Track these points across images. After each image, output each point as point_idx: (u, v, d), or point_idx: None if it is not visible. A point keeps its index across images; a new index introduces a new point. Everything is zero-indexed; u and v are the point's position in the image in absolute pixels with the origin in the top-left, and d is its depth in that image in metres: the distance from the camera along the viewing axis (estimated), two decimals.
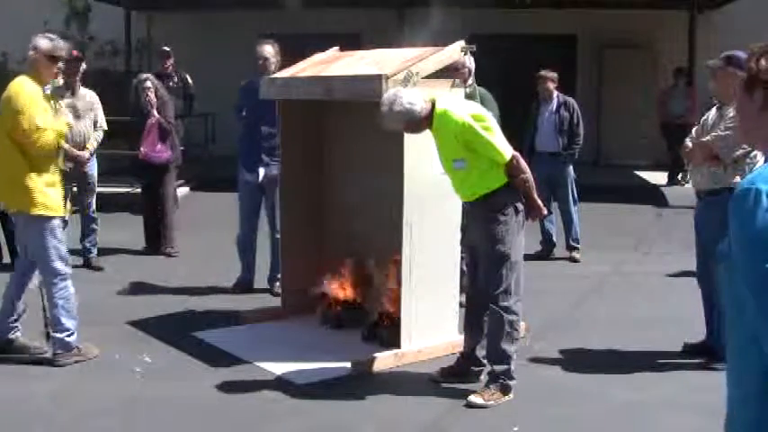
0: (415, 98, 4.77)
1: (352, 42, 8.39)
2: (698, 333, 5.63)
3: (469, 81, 6.48)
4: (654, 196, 12.62)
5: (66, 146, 7.94)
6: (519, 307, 4.92)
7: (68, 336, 5.33)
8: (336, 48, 6.55)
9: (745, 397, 1.69)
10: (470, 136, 4.75)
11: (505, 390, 4.88)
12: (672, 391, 5.06)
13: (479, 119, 4.81)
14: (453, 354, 5.61)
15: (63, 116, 5.64)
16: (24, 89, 5.22)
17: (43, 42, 5.29)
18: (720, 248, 1.77)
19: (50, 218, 5.25)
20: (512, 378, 4.91)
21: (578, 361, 5.57)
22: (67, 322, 5.33)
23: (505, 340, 4.88)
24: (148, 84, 8.72)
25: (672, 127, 13.35)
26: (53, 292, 5.30)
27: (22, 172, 5.18)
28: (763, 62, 1.81)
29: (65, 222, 5.78)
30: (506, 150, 4.81)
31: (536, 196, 4.94)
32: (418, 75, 5.33)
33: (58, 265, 5.32)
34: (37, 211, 5.21)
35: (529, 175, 4.88)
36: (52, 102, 5.54)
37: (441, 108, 4.82)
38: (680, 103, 13.48)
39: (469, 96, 6.08)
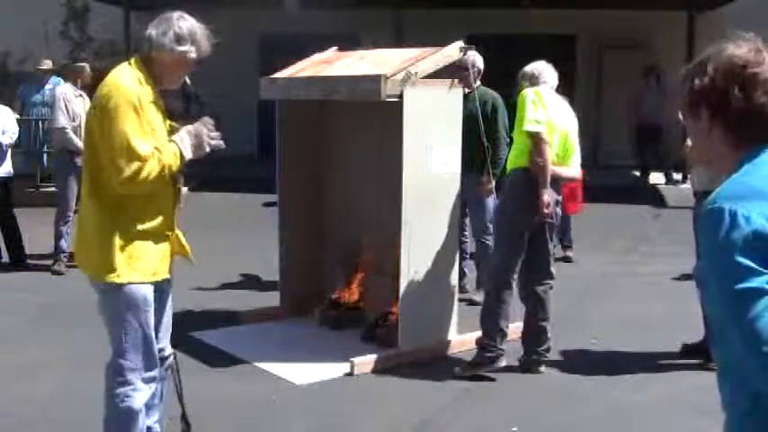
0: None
1: (351, 42, 8.39)
2: (696, 333, 5.63)
3: (477, 83, 6.48)
4: (653, 197, 12.63)
5: (81, 144, 7.93)
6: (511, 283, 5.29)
7: None
8: (335, 48, 6.55)
9: (736, 414, 1.68)
10: (519, 107, 5.24)
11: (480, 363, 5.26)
12: (670, 391, 5.07)
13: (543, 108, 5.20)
14: (453, 354, 5.62)
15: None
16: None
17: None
18: (698, 270, 1.74)
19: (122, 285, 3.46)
20: (489, 351, 5.19)
21: (577, 361, 5.57)
22: None
23: (488, 311, 5.23)
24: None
25: (645, 127, 13.72)
26: (108, 389, 3.67)
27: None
28: (696, 81, 1.75)
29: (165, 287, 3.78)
30: (533, 124, 5.12)
31: (543, 188, 5.10)
32: (417, 75, 5.33)
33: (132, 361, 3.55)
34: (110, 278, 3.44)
35: (543, 162, 5.09)
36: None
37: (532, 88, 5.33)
38: (654, 102, 13.68)
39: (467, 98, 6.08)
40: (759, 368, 1.54)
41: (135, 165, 3.30)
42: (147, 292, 3.50)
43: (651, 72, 14.18)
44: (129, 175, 3.30)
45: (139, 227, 3.43)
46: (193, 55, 3.52)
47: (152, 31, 3.48)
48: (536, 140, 5.11)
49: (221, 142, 3.62)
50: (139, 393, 3.58)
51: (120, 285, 3.42)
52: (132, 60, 3.51)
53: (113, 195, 3.39)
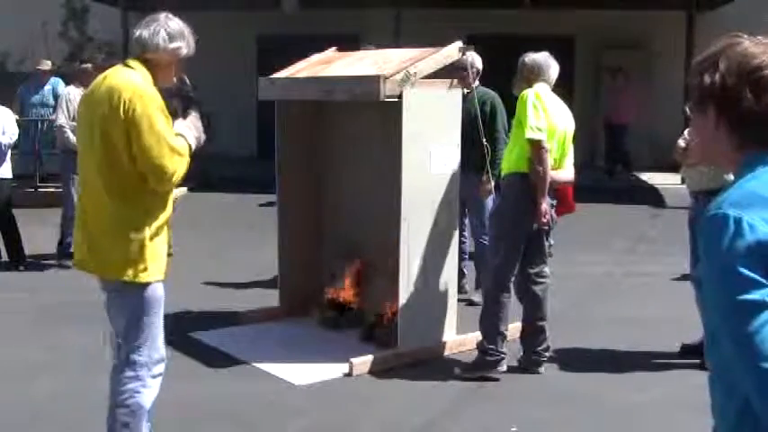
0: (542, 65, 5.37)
1: (350, 43, 8.39)
2: (696, 333, 5.63)
3: (476, 83, 6.47)
4: (652, 197, 12.64)
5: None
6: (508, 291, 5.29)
7: None
8: (334, 48, 6.55)
9: (726, 420, 1.64)
10: (519, 109, 5.17)
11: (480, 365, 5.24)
12: (670, 391, 5.07)
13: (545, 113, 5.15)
14: (452, 354, 5.62)
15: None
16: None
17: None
18: (698, 273, 1.70)
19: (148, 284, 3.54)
20: (490, 355, 5.19)
21: (577, 361, 5.57)
22: None
23: (488, 316, 5.22)
24: None
25: (609, 127, 14.63)
26: (120, 386, 3.62)
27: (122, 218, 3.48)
28: (707, 78, 1.67)
29: None
30: (536, 132, 5.06)
31: (541, 197, 5.08)
32: (416, 75, 5.33)
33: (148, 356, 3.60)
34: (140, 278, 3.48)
35: (543, 170, 5.05)
36: None
37: (532, 89, 5.23)
38: (612, 102, 14.59)
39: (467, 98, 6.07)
40: (752, 383, 1.49)
41: (176, 162, 3.43)
42: (162, 289, 3.61)
43: (617, 73, 14.73)
44: (173, 172, 3.43)
45: (156, 224, 3.49)
46: (184, 51, 3.60)
47: (142, 32, 3.54)
48: (536, 148, 5.07)
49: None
50: (148, 390, 3.61)
51: (147, 284, 3.49)
52: (131, 62, 3.55)
53: (136, 194, 3.44)
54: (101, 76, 3.60)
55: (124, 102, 3.37)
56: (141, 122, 3.36)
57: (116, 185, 3.43)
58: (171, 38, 3.54)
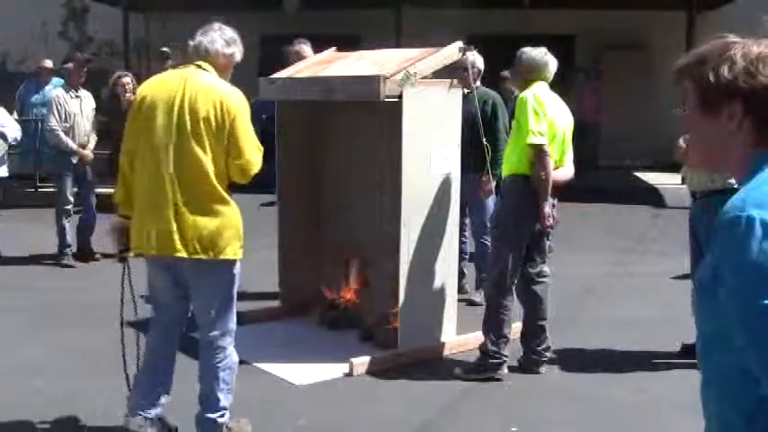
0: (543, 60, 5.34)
1: (351, 43, 8.39)
2: (695, 333, 5.63)
3: (477, 83, 6.46)
4: (652, 197, 12.64)
5: (74, 145, 8.16)
6: (510, 297, 5.28)
7: (221, 416, 4.11)
8: (334, 48, 6.55)
9: (727, 429, 1.59)
10: (519, 111, 5.13)
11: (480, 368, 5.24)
12: (670, 391, 5.06)
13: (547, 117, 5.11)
14: (452, 354, 5.63)
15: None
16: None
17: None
18: (700, 276, 1.63)
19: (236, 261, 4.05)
20: (492, 357, 5.20)
21: (577, 361, 5.57)
22: (225, 400, 4.10)
23: (491, 319, 5.23)
24: (127, 80, 8.85)
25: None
26: (216, 361, 4.04)
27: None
28: (726, 73, 1.59)
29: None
30: (537, 137, 5.04)
31: (544, 200, 5.07)
32: (416, 75, 5.33)
33: (233, 322, 4.09)
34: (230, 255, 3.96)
35: (546, 174, 5.04)
36: None
37: (530, 91, 5.18)
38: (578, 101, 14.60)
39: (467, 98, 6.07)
40: None
41: (260, 157, 3.93)
42: None
43: (576, 74, 14.97)
44: (257, 167, 3.92)
45: None
46: (239, 56, 4.00)
47: (202, 39, 3.91)
48: (539, 153, 5.06)
49: None
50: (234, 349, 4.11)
51: (236, 260, 3.97)
52: (203, 64, 3.88)
53: (225, 182, 3.87)
54: (177, 75, 3.88)
55: (228, 107, 3.77)
56: (240, 126, 3.79)
57: (214, 176, 3.79)
58: (227, 44, 3.92)
